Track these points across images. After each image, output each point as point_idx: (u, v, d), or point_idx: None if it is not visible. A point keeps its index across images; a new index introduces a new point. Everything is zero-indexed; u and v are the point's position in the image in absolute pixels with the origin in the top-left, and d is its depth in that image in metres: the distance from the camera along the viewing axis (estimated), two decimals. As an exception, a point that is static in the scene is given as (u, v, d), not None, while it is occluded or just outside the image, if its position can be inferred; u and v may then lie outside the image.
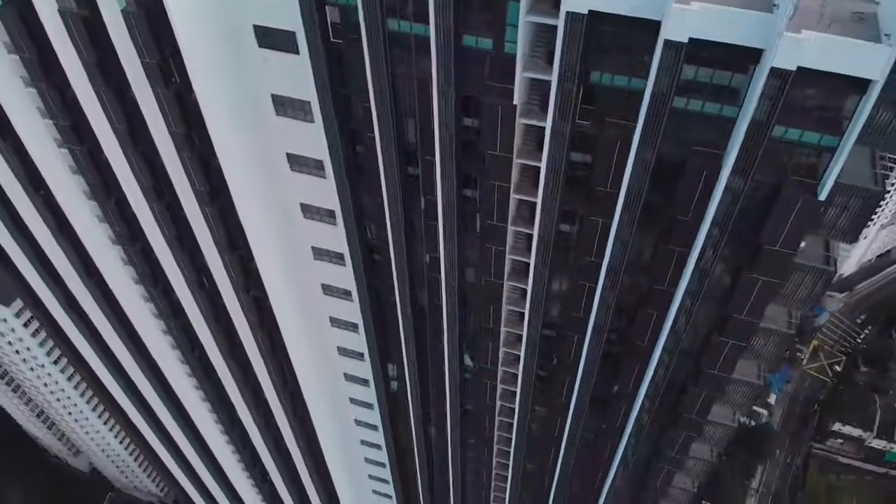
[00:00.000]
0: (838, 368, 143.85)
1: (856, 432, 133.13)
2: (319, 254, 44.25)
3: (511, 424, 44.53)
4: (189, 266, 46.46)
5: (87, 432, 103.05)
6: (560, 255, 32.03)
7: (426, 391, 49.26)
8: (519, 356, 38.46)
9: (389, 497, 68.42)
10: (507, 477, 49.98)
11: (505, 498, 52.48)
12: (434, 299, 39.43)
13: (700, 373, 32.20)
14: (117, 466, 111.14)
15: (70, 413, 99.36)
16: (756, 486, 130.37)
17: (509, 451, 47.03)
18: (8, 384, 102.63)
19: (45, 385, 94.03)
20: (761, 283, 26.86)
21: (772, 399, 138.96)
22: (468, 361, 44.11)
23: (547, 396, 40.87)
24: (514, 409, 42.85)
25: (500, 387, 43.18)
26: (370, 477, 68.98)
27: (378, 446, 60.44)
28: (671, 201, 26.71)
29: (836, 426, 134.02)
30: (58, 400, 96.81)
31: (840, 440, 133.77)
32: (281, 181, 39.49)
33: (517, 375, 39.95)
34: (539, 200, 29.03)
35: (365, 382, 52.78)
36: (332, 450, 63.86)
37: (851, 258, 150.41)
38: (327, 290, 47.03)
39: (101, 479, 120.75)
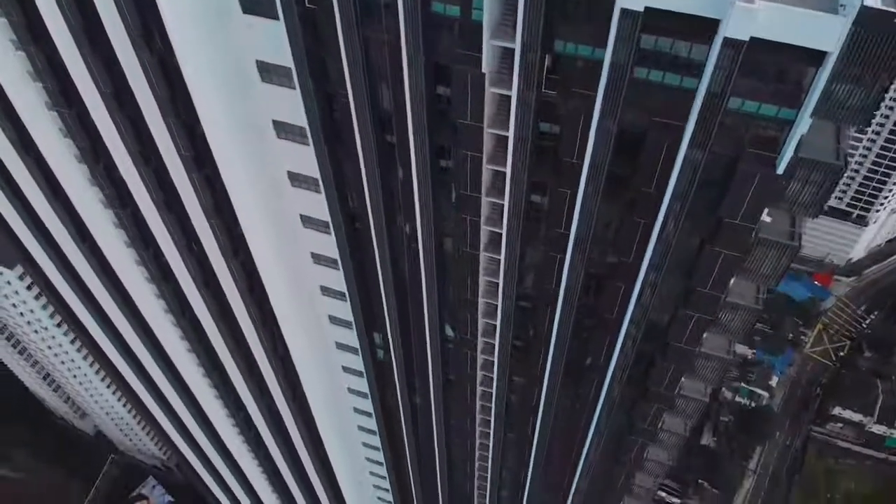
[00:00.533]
0: (842, 353, 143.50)
1: (856, 417, 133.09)
2: (308, 222, 44.67)
3: (491, 394, 45.08)
4: (178, 230, 47.00)
5: (91, 395, 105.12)
6: (532, 226, 32.20)
7: (410, 360, 49.84)
8: (496, 326, 38.86)
9: (381, 464, 69.49)
10: (488, 446, 50.65)
11: (487, 466, 53.19)
12: (414, 269, 39.76)
13: (667, 346, 32.47)
14: (121, 430, 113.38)
15: (74, 376, 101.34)
16: (754, 467, 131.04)
17: (490, 420, 47.63)
18: (14, 346, 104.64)
19: (49, 348, 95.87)
20: (723, 256, 26.97)
21: (773, 381, 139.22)
22: (449, 331, 44.54)
23: (524, 367, 41.29)
24: (493, 379, 43.39)
25: (480, 357, 43.59)
26: (364, 445, 70.12)
27: (369, 413, 61.31)
28: (635, 173, 26.78)
29: (837, 410, 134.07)
30: (62, 363, 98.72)
31: (840, 424, 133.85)
32: (268, 149, 39.75)
33: (495, 346, 40.43)
34: (508, 170, 29.17)
35: (355, 351, 53.46)
36: (324, 417, 64.69)
37: (860, 243, 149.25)
38: (317, 258, 47.53)
39: (105, 441, 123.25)
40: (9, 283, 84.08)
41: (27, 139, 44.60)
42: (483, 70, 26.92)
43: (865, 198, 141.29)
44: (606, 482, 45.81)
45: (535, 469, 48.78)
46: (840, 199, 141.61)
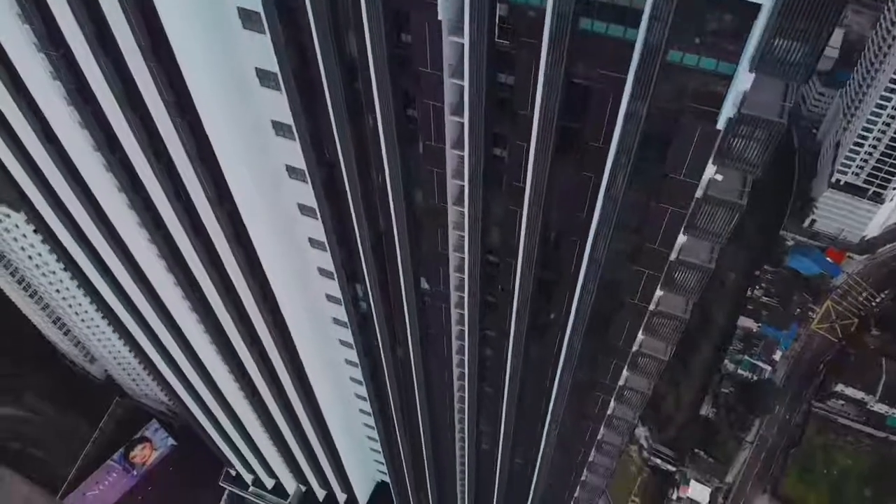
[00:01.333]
0: (851, 330, 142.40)
1: (858, 395, 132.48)
2: (293, 173, 45.24)
3: (464, 347, 45.87)
4: (165, 177, 47.89)
5: (98, 339, 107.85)
6: (494, 179, 32.49)
7: (390, 313, 50.75)
8: (465, 281, 39.46)
9: (369, 414, 70.99)
10: (464, 398, 51.66)
11: (465, 418, 54.25)
12: (388, 220, 40.33)
13: (622, 302, 32.84)
14: (128, 374, 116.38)
15: (82, 320, 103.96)
16: (751, 438, 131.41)
17: (464, 373, 48.53)
18: (25, 290, 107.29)
19: (58, 291, 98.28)
20: (670, 212, 27.13)
21: (777, 356, 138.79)
22: (425, 285, 45.20)
23: (494, 321, 41.91)
24: (465, 332, 44.14)
25: (454, 311, 44.30)
26: (357, 396, 71.68)
27: (356, 364, 62.53)
28: (584, 127, 26.89)
29: (840, 387, 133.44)
30: (69, 307, 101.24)
31: (842, 401, 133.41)
32: (252, 97, 40.20)
33: (465, 300, 41.07)
34: (466, 121, 29.37)
35: (340, 302, 54.44)
36: (316, 369, 66.03)
37: (875, 220, 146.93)
38: (303, 209, 48.22)
39: (114, 386, 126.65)
40: (17, 226, 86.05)
41: (18, 81, 45.48)
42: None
43: (883, 174, 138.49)
44: (576, 435, 46.65)
45: (508, 421, 49.77)
46: (857, 174, 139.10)
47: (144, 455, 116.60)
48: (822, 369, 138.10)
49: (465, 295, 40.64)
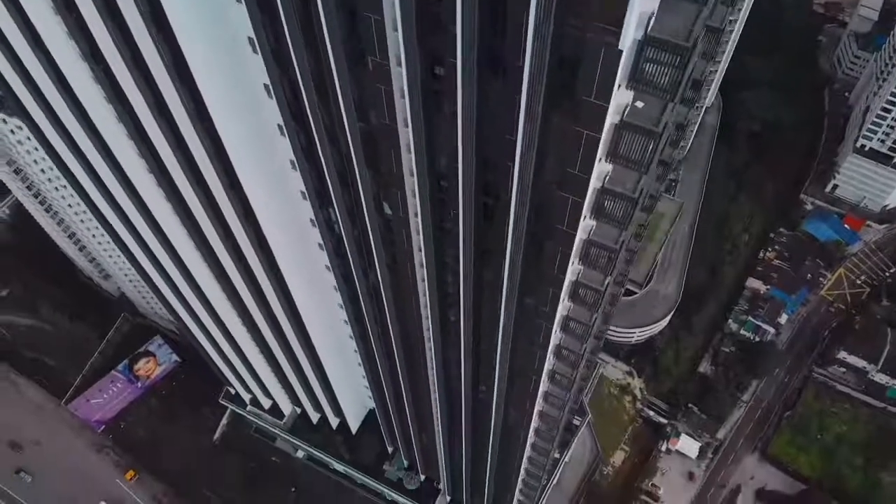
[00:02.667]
0: (861, 299, 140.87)
1: (861, 363, 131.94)
2: (268, 91, 45.98)
3: (424, 275, 47.07)
4: (148, 92, 48.96)
5: (109, 256, 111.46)
6: (434, 100, 32.96)
7: (359, 238, 52.00)
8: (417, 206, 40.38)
9: (352, 338, 73.05)
10: (429, 324, 53.15)
11: (432, 346, 55.86)
12: (346, 142, 41.17)
13: (553, 229, 33.55)
14: (139, 292, 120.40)
15: (94, 235, 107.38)
16: (747, 398, 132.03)
17: (427, 300, 49.79)
18: (42, 203, 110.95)
19: (70, 206, 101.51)
20: (585, 136, 27.55)
21: (782, 319, 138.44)
22: (387, 210, 46.22)
23: (450, 248, 42.80)
24: (423, 260, 45.29)
25: (414, 237, 45.32)
26: (345, 322, 73.58)
27: (336, 288, 64.16)
28: (504, 45, 27.22)
29: (842, 354, 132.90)
30: (81, 222, 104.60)
31: (843, 369, 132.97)
32: (228, 14, 40.79)
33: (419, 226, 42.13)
34: (400, 34, 29.75)
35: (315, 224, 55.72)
36: (303, 294, 67.79)
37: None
38: (281, 129, 49.11)
39: (127, 303, 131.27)
40: (29, 138, 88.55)
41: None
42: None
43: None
44: (527, 363, 47.99)
45: (467, 348, 51.30)
46: (882, 141, 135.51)
47: (149, 369, 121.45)
48: (826, 336, 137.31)
49: (420, 220, 41.64)
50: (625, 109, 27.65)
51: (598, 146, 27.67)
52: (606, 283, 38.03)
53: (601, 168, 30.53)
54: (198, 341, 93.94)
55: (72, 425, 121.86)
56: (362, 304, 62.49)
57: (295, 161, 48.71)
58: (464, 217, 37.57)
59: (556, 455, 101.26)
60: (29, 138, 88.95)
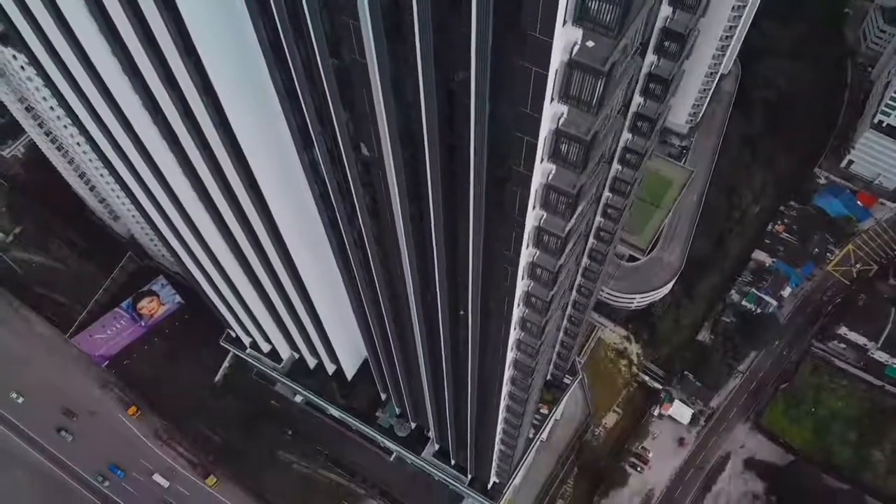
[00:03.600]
0: (868, 277, 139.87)
1: (861, 340, 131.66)
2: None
3: (400, 215, 47.90)
4: (137, 25, 49.64)
5: (118, 196, 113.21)
6: (399, 37, 33.29)
7: (342, 180, 52.79)
8: (389, 144, 41.00)
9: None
10: (407, 266, 54.15)
11: (410, 285, 56.88)
12: (320, 78, 41.75)
13: (511, 170, 34.02)
14: (147, 234, 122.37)
15: (102, 175, 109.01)
16: (743, 368, 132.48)
17: (403, 242, 50.69)
18: (53, 142, 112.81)
19: (79, 145, 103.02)
20: (534, 74, 27.87)
21: (786, 292, 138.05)
22: (364, 151, 46.85)
23: (421, 190, 43.43)
24: (397, 200, 46.07)
25: (389, 178, 45.93)
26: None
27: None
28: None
29: (843, 330, 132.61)
30: (90, 160, 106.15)
31: (843, 345, 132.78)
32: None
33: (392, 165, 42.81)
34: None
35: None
36: (295, 240, 69.01)
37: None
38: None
39: (135, 244, 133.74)
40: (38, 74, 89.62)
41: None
42: None
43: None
44: (497, 309, 48.85)
45: (442, 291, 52.31)
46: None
47: (152, 308, 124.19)
48: (829, 311, 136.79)
49: (391, 159, 42.29)
50: (573, 48, 27.90)
51: (545, 83, 27.99)
52: (568, 229, 38.50)
53: (556, 109, 30.88)
54: (198, 283, 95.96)
55: (78, 361, 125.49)
56: (349, 250, 63.57)
57: (279, 102, 49.39)
58: (429, 153, 38.17)
59: (544, 411, 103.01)
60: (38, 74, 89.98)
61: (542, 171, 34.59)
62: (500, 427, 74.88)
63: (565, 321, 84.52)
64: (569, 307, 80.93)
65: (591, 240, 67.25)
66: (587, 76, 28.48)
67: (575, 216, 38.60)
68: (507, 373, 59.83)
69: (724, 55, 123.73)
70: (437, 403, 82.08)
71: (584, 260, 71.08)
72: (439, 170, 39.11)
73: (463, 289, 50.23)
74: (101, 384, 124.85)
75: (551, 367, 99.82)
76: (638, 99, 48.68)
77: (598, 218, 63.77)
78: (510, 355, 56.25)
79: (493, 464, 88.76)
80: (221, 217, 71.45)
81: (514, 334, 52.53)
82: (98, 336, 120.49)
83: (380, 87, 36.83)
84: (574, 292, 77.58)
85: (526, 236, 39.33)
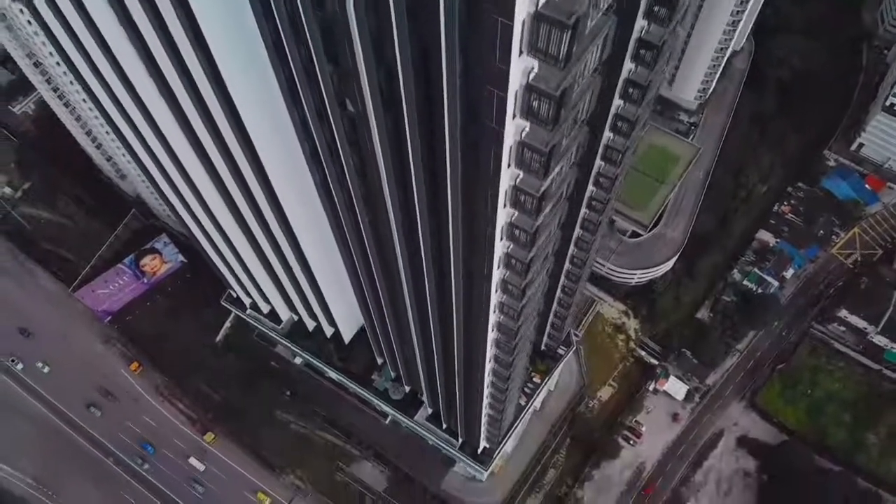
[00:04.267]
0: (873, 261, 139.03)
1: (861, 324, 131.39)
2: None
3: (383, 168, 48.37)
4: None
5: (123, 155, 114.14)
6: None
7: (330, 138, 53.22)
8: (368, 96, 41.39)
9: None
10: (394, 227, 54.77)
11: (398, 247, 57.58)
12: (304, 32, 42.10)
13: (483, 125, 34.35)
14: (152, 193, 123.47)
15: (107, 133, 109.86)
16: (741, 348, 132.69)
17: (386, 192, 51.12)
18: (60, 98, 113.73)
19: (84, 101, 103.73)
20: (500, 23, 28.08)
21: (788, 273, 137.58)
22: (350, 107, 47.22)
23: (402, 145, 43.76)
24: (379, 153, 46.56)
25: (373, 131, 46.19)
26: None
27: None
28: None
29: (843, 313, 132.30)
30: (96, 117, 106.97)
31: (843, 328, 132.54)
32: None
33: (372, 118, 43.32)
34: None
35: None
36: (290, 200, 69.77)
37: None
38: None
39: (142, 204, 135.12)
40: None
41: None
42: None
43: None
44: (477, 270, 49.41)
45: (427, 250, 52.95)
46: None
47: (154, 265, 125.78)
48: (831, 294, 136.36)
49: (373, 115, 42.67)
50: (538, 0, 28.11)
51: (512, 34, 28.24)
52: (543, 189, 38.82)
53: (525, 63, 31.12)
54: (198, 241, 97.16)
55: (82, 316, 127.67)
56: (340, 212, 64.13)
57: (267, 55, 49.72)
58: (408, 113, 38.56)
59: (537, 380, 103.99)
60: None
61: (515, 127, 34.91)
62: (487, 391, 75.88)
63: (559, 292, 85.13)
64: (562, 277, 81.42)
65: (583, 209, 67.59)
66: (553, 29, 28.65)
67: (550, 176, 38.90)
68: (491, 335, 60.56)
69: (735, 30, 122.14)
70: (427, 367, 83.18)
71: (577, 230, 71.51)
72: (418, 127, 39.44)
73: (446, 250, 50.82)
74: (104, 340, 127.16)
75: (546, 337, 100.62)
76: (629, 65, 48.62)
77: (591, 187, 64.09)
78: (493, 318, 56.93)
79: (482, 429, 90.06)
80: (217, 173, 72.25)
81: (495, 296, 53.12)
82: (101, 291, 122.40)
83: (359, 41, 37.17)
84: (567, 263, 78.06)
85: (502, 195, 39.74)
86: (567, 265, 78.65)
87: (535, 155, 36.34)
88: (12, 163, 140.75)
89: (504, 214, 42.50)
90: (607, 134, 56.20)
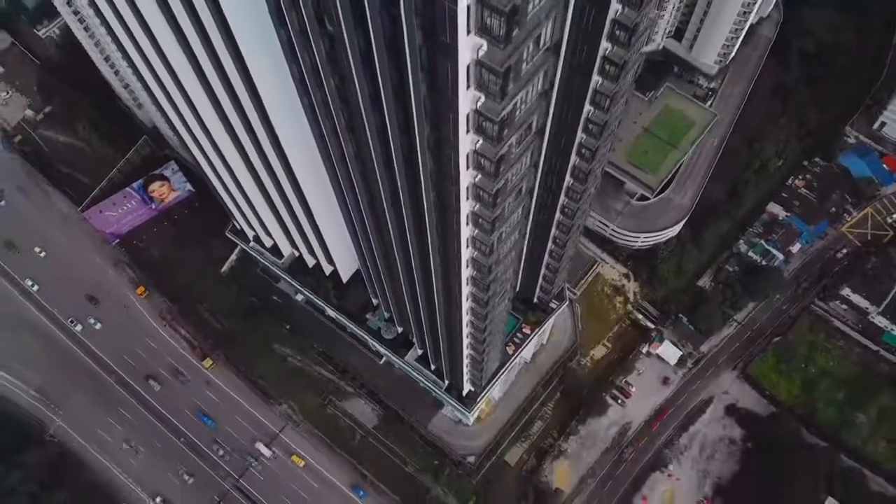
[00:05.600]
0: (883, 242, 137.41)
1: (863, 303, 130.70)
2: None
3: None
4: None
5: (137, 81, 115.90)
6: None
7: (311, 56, 53.99)
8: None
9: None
10: (374, 157, 55.92)
11: (379, 178, 58.79)
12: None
13: (439, 42, 35.12)
14: (167, 123, 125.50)
15: (122, 58, 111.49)
16: (740, 318, 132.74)
17: (366, 123, 52.22)
18: (81, 22, 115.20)
19: (101, 26, 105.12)
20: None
21: (795, 248, 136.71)
22: (328, 26, 47.90)
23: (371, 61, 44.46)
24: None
25: (347, 51, 46.81)
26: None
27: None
28: None
29: (846, 291, 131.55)
30: (111, 44, 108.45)
31: (844, 306, 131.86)
32: None
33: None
34: None
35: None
36: (286, 129, 71.07)
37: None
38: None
39: (157, 134, 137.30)
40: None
41: None
42: None
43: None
44: (448, 201, 50.57)
45: (402, 179, 54.17)
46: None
47: (163, 192, 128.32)
48: (836, 272, 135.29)
49: (345, 33, 43.48)
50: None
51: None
52: (503, 114, 39.51)
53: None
54: (203, 171, 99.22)
55: (93, 239, 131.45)
56: (328, 142, 65.21)
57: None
58: (374, 29, 39.34)
59: (527, 331, 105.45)
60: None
61: (470, 45, 35.56)
62: (466, 332, 77.47)
63: (550, 243, 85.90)
64: (553, 228, 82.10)
65: (573, 157, 68.05)
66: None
67: (511, 101, 39.57)
68: (466, 272, 61.78)
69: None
70: (414, 306, 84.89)
71: (567, 179, 72.00)
72: (385, 48, 40.20)
73: (419, 180, 51.86)
74: (113, 263, 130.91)
75: (538, 290, 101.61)
76: (616, 5, 48.83)
77: (580, 134, 64.47)
78: (466, 252, 58.05)
79: (465, 370, 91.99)
80: (217, 98, 73.56)
81: (466, 229, 54.18)
82: (108, 213, 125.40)
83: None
84: (558, 213, 78.70)
85: (463, 118, 40.50)
86: (558, 215, 79.29)
87: (492, 76, 37.04)
88: (35, 86, 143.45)
89: (468, 141, 43.32)
90: (596, 78, 56.39)
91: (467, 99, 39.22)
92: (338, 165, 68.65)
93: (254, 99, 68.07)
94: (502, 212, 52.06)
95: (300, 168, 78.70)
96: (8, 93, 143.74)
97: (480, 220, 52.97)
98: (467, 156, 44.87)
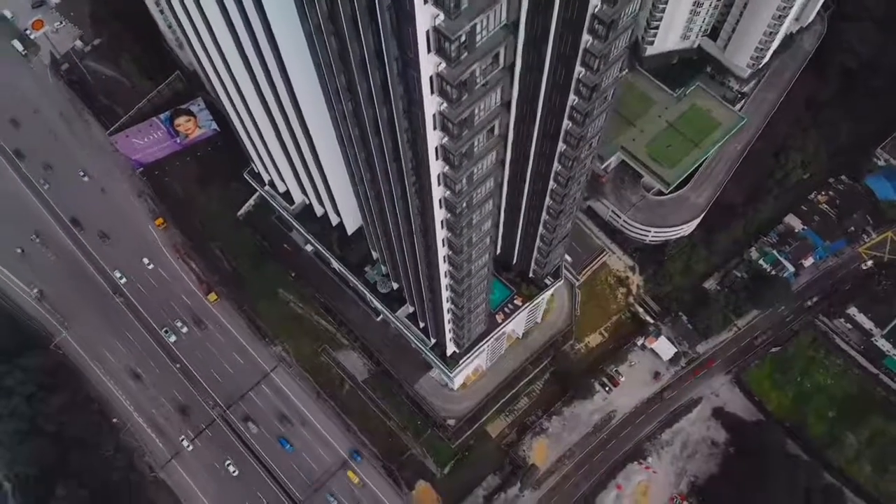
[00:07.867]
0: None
1: (868, 324, 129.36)
2: None
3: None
4: None
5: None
6: None
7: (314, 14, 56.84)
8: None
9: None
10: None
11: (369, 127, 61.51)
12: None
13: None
14: (197, 63, 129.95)
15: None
16: (740, 325, 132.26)
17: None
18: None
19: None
20: None
21: (807, 261, 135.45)
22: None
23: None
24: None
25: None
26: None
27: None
28: None
29: (852, 310, 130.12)
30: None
31: (849, 325, 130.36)
32: None
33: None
34: None
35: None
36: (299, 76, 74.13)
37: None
38: None
39: (195, 76, 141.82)
40: None
41: None
42: None
43: None
44: (416, 131, 52.88)
45: (382, 117, 56.85)
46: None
47: (188, 128, 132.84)
48: (845, 290, 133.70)
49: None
50: None
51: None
52: (460, 33, 41.38)
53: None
54: (226, 110, 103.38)
55: (123, 169, 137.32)
56: (332, 100, 67.93)
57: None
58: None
59: (518, 302, 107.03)
60: None
61: (428, 12, 37.97)
62: (445, 282, 79.58)
63: (544, 213, 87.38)
64: (547, 198, 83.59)
65: (564, 121, 69.60)
66: None
67: (470, 22, 41.39)
68: (440, 213, 63.83)
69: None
70: (401, 254, 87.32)
71: (560, 145, 73.47)
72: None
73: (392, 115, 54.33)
74: (137, 193, 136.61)
75: (533, 263, 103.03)
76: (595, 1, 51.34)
77: (572, 96, 65.92)
78: (438, 191, 60.14)
79: (447, 326, 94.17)
80: (243, 48, 77.06)
81: (436, 164, 56.34)
82: (134, 140, 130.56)
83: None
84: (552, 181, 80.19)
85: (422, 35, 42.39)
86: (551, 184, 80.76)
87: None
88: (88, 18, 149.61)
89: (430, 62, 45.20)
90: (585, 37, 57.83)
91: (425, 14, 40.95)
92: (340, 122, 71.18)
93: (274, 51, 71.07)
94: (470, 148, 54.06)
95: (312, 117, 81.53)
96: (62, 22, 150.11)
97: (448, 154, 54.83)
98: (430, 78, 46.71)
